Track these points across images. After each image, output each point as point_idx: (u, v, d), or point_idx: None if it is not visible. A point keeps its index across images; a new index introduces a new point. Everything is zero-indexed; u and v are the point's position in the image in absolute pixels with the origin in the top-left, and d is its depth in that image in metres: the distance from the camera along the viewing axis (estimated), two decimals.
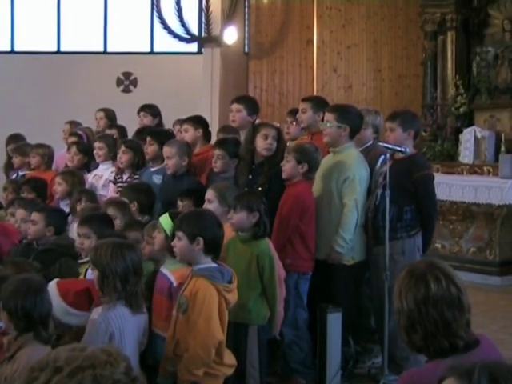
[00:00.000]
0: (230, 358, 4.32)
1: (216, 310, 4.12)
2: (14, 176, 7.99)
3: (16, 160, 8.07)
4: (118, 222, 5.41)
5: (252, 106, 6.97)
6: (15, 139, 8.62)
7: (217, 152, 6.16)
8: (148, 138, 6.88)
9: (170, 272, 4.54)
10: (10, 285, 3.75)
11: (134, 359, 3.98)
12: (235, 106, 6.84)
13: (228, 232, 4.66)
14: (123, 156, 6.89)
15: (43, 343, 3.62)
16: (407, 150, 5.76)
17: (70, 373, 1.69)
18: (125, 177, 6.94)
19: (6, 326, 3.76)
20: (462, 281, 2.80)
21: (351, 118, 5.90)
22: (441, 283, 2.73)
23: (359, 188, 5.79)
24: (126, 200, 5.86)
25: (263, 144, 5.92)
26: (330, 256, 5.75)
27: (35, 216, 5.54)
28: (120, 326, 3.96)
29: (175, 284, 4.45)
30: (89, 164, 7.51)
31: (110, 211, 5.48)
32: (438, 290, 2.72)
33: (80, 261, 4.93)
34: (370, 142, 6.39)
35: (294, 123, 6.78)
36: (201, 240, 4.16)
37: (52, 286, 4.00)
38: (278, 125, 6.19)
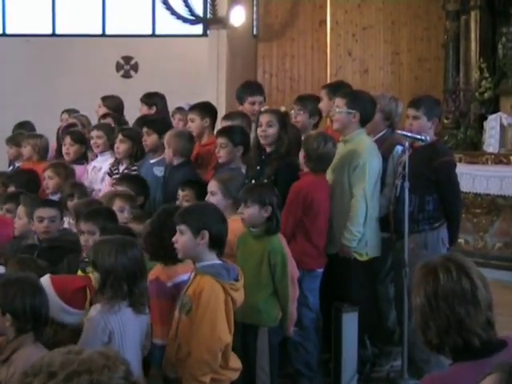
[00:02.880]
0: (235, 361, 4.30)
1: (222, 310, 4.10)
2: (11, 168, 7.96)
3: (11, 151, 8.03)
4: (126, 216, 5.41)
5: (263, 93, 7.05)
6: (23, 128, 8.54)
7: (219, 141, 6.15)
8: (145, 129, 6.83)
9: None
10: (10, 286, 3.69)
11: (135, 362, 3.98)
12: (259, 99, 6.94)
13: (233, 227, 4.62)
14: (120, 146, 6.84)
15: (43, 344, 3.62)
16: (427, 138, 5.76)
17: (65, 378, 1.68)
18: (121, 168, 6.89)
19: (3, 329, 3.70)
20: (480, 275, 2.79)
21: (361, 104, 5.91)
22: (451, 275, 2.74)
23: (368, 177, 5.77)
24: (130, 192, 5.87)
25: (259, 132, 5.96)
26: (340, 250, 5.77)
27: (52, 212, 5.52)
28: (120, 325, 3.95)
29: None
30: (86, 154, 7.48)
31: (118, 203, 5.48)
32: (448, 282, 2.73)
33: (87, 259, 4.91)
34: (384, 131, 6.37)
35: (302, 111, 6.71)
36: (206, 233, 4.12)
37: (46, 282, 3.97)
38: (283, 109, 6.16)
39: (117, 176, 6.77)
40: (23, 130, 8.29)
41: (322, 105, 6.51)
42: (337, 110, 5.89)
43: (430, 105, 6.05)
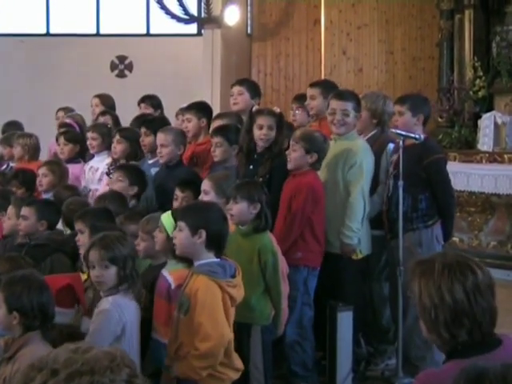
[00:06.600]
0: (237, 361, 4.30)
1: (220, 307, 4.09)
2: (4, 167, 7.97)
3: (5, 151, 8.05)
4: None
5: (254, 88, 6.98)
6: (11, 128, 8.55)
7: (215, 140, 6.14)
8: (143, 129, 6.81)
9: (169, 273, 4.53)
10: (16, 283, 3.69)
11: (137, 353, 4.10)
12: (237, 89, 6.86)
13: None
14: (117, 146, 6.83)
15: (49, 342, 3.63)
16: (421, 136, 5.76)
17: (66, 378, 1.68)
18: None
19: (10, 328, 3.70)
20: None
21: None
22: (483, 269, 2.75)
23: (365, 176, 5.78)
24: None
25: (258, 134, 5.91)
26: (342, 249, 5.75)
27: (25, 211, 5.53)
28: (131, 316, 4.05)
29: (173, 286, 4.43)
30: (83, 153, 7.48)
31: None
32: (484, 276, 2.74)
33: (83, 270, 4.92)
34: (375, 131, 6.33)
35: (301, 110, 6.74)
36: (203, 233, 4.13)
37: None
38: (278, 110, 6.14)
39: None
40: (13, 130, 8.32)
41: (314, 103, 6.51)
42: (351, 114, 5.84)
43: (416, 101, 6.07)
